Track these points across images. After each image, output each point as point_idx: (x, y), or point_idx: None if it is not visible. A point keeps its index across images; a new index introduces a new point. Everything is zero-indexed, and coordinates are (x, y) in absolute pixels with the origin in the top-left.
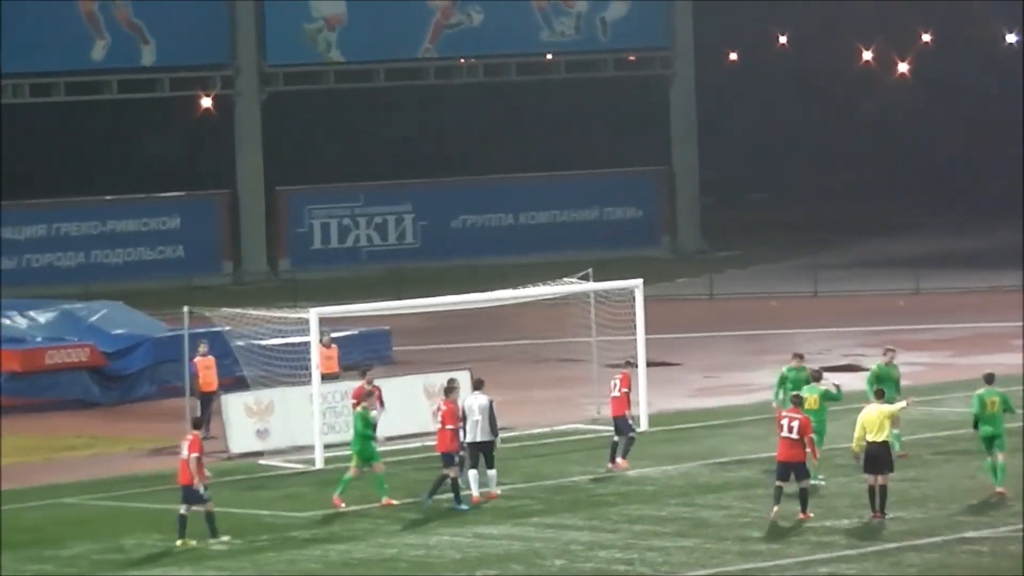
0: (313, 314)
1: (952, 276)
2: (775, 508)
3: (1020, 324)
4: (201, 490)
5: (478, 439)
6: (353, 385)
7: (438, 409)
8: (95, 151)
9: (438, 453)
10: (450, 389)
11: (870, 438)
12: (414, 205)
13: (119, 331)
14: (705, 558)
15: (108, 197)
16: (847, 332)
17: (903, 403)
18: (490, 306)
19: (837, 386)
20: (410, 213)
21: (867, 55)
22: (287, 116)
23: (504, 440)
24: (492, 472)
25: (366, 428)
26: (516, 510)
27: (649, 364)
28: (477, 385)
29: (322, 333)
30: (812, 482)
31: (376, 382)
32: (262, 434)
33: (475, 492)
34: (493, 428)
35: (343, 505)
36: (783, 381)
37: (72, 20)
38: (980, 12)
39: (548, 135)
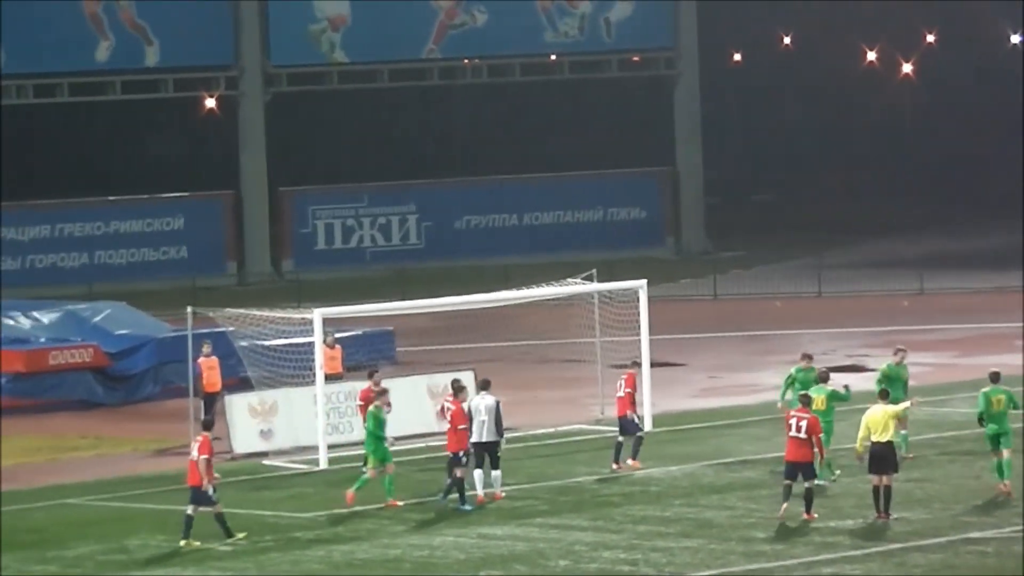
0: (317, 315)
1: (956, 276)
2: (784, 506)
3: (1021, 324)
4: (210, 491)
5: (484, 439)
6: (356, 385)
7: (441, 409)
8: (99, 152)
9: (449, 454)
10: (459, 389)
11: (875, 438)
12: (418, 206)
13: (123, 332)
14: (709, 559)
15: (112, 198)
16: (851, 332)
17: (907, 403)
18: (494, 307)
19: (846, 386)
20: (414, 214)
21: (871, 55)
22: (291, 117)
23: (508, 441)
24: (497, 473)
25: (377, 428)
26: (520, 510)
27: (653, 365)
28: (484, 385)
29: (326, 334)
30: (822, 481)
31: (382, 383)
32: (266, 434)
33: (480, 492)
34: (499, 429)
35: (352, 502)
36: (791, 381)
37: (76, 21)
38: (984, 13)
39: (552, 136)
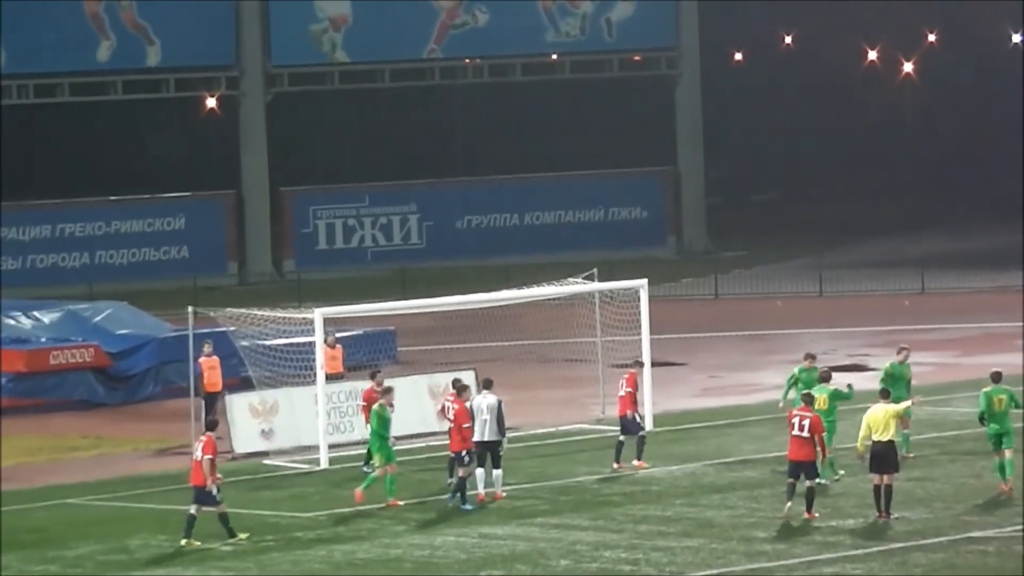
0: (318, 314)
1: (958, 276)
2: (788, 504)
3: (1022, 324)
4: (214, 492)
5: (485, 438)
6: (357, 385)
7: (442, 408)
8: (100, 152)
9: (451, 453)
10: (462, 388)
11: (876, 437)
12: (419, 205)
13: (124, 331)
14: (710, 558)
15: (113, 198)
16: (853, 332)
17: (908, 402)
18: (495, 306)
19: (849, 385)
20: (415, 213)
21: (872, 55)
22: (292, 116)
23: (509, 440)
24: (498, 472)
25: (381, 427)
26: (521, 510)
27: (654, 364)
28: (486, 384)
29: (327, 333)
30: (823, 480)
31: (385, 383)
32: (267, 434)
33: (481, 491)
34: (501, 428)
35: (361, 500)
36: (794, 381)
37: (77, 21)
38: (985, 12)
39: (553, 135)
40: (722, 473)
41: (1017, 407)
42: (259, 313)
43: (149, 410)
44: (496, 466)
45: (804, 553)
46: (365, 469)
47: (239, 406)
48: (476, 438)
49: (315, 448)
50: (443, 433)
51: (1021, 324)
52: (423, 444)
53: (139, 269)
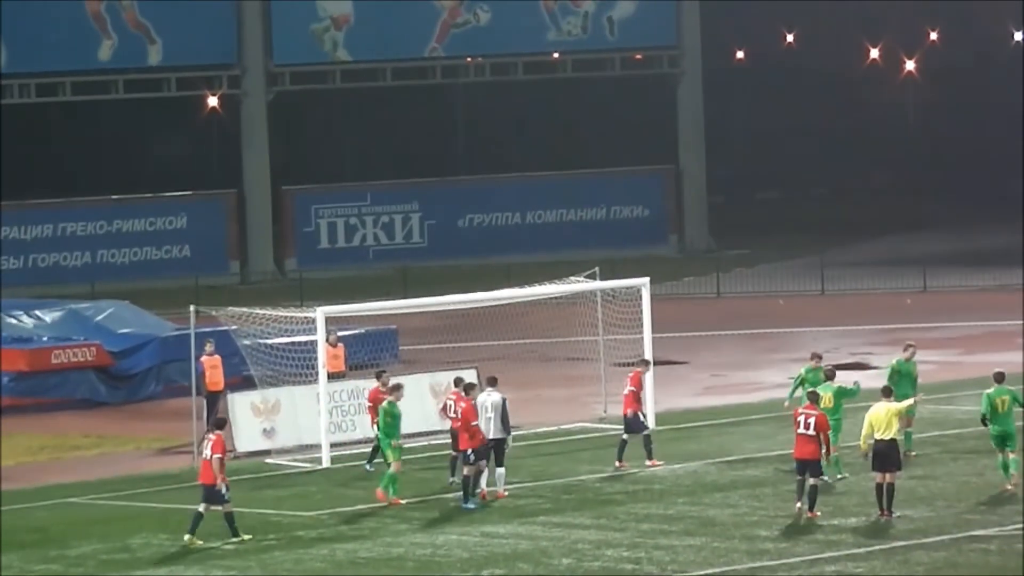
0: (320, 313)
1: (960, 274)
2: (798, 503)
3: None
4: (223, 490)
5: (490, 436)
6: (359, 384)
7: (443, 407)
8: (101, 151)
9: (457, 452)
10: (470, 387)
11: (878, 436)
12: (421, 204)
13: (125, 330)
14: (712, 557)
15: (114, 197)
16: (855, 331)
17: (910, 400)
18: (497, 305)
19: (856, 382)
20: (417, 212)
21: (874, 53)
22: (294, 115)
23: (513, 439)
24: (501, 470)
25: (393, 423)
26: (523, 509)
27: (656, 363)
28: (491, 382)
29: (329, 332)
30: (827, 478)
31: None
32: (269, 433)
33: (483, 486)
34: (505, 426)
35: (384, 499)
36: (800, 381)
37: (79, 20)
38: (987, 11)
39: (555, 134)
40: (724, 472)
41: (1020, 407)
42: (261, 312)
43: (151, 409)
44: (499, 464)
45: (806, 552)
46: (368, 468)
47: (241, 405)
48: None
49: (317, 447)
50: (445, 432)
51: (1022, 322)
52: (425, 443)
53: (141, 268)
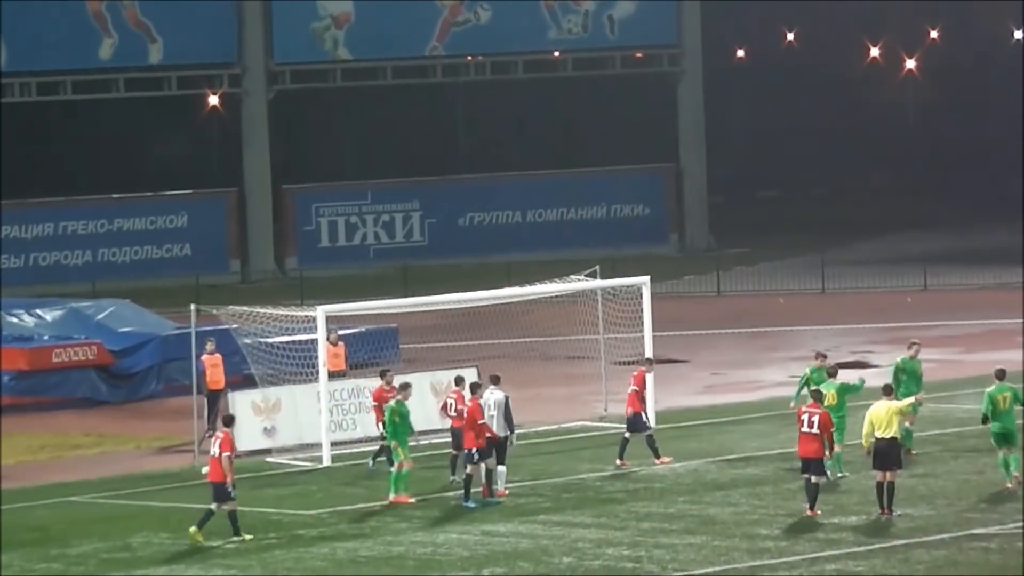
0: (320, 312)
1: (960, 272)
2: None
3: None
4: (230, 489)
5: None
6: (360, 383)
7: (444, 406)
8: (102, 149)
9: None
10: (475, 387)
11: (878, 434)
12: (421, 203)
13: (126, 329)
14: (713, 555)
15: (115, 195)
16: (855, 329)
17: (911, 399)
18: (498, 303)
19: (861, 379)
20: (417, 211)
21: (874, 52)
22: (294, 114)
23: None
24: (502, 469)
25: (402, 422)
26: (524, 508)
27: (657, 361)
28: (494, 380)
29: (329, 331)
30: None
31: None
32: (269, 432)
33: (484, 480)
34: (509, 424)
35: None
36: (805, 381)
37: (79, 19)
38: (988, 10)
39: (555, 133)
40: (725, 470)
41: (1020, 405)
42: (261, 311)
43: (151, 408)
44: (500, 462)
45: (807, 550)
46: (371, 465)
47: (242, 404)
48: None
49: (318, 446)
50: (445, 431)
51: (1023, 321)
52: (425, 442)
53: (141, 267)
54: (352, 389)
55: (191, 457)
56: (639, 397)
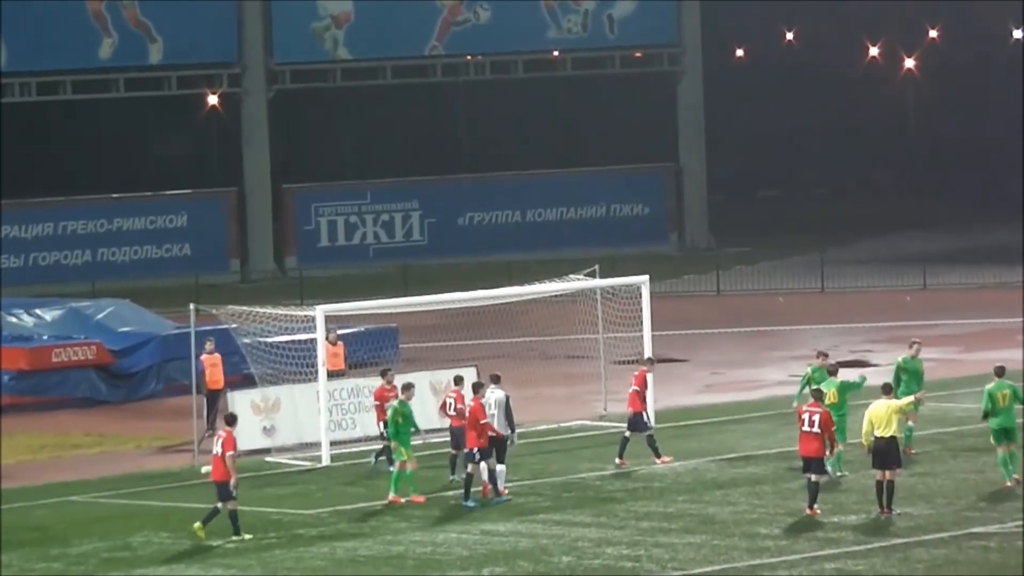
0: (319, 311)
1: (960, 272)
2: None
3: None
4: (231, 487)
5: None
6: (359, 382)
7: (443, 405)
8: (102, 149)
9: (457, 451)
10: (477, 386)
11: (878, 433)
12: (421, 202)
13: (126, 329)
14: (712, 555)
15: (115, 195)
16: (855, 328)
17: (910, 398)
18: (497, 303)
19: (863, 376)
20: (417, 210)
21: (874, 51)
22: (294, 114)
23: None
24: (501, 467)
25: (405, 423)
26: (523, 507)
27: (656, 360)
28: (494, 380)
29: (329, 330)
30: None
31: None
32: (269, 431)
33: (485, 478)
34: (510, 423)
35: (423, 501)
36: (807, 380)
37: (79, 18)
38: (988, 9)
39: (555, 132)
40: (724, 469)
41: (1020, 403)
42: (261, 310)
43: (151, 408)
44: (500, 461)
45: (806, 549)
46: (374, 464)
47: (241, 403)
48: None
49: (317, 445)
50: (445, 430)
51: (1022, 320)
52: (423, 441)
53: (141, 266)
54: (351, 389)
55: (191, 457)
56: (640, 397)
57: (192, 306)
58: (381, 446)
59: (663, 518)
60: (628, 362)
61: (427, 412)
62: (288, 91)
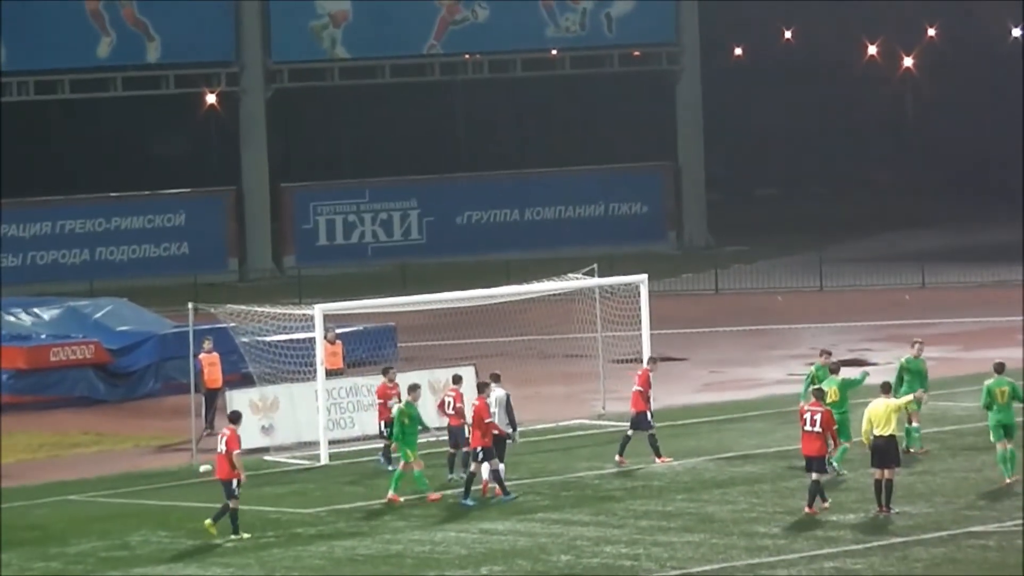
0: (318, 310)
1: (958, 270)
2: (825, 502)
3: (1022, 318)
4: (234, 485)
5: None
6: (358, 381)
7: (441, 404)
8: (100, 148)
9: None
10: (482, 386)
11: (877, 432)
12: (419, 201)
13: (124, 328)
14: (711, 553)
15: (113, 194)
16: (853, 327)
17: (909, 397)
18: (495, 302)
19: (864, 372)
20: (415, 209)
21: (872, 50)
22: (292, 113)
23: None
24: (501, 466)
25: (411, 423)
26: (522, 506)
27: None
28: (494, 378)
29: (327, 329)
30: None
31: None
32: (267, 430)
33: (486, 477)
34: (511, 421)
35: (437, 499)
36: (811, 379)
37: (77, 17)
38: (987, 8)
39: (553, 131)
40: (723, 468)
41: (1019, 400)
42: (259, 309)
43: (150, 407)
44: (500, 460)
45: (805, 548)
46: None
47: (239, 402)
48: None
49: (315, 444)
50: (443, 429)
51: (1021, 318)
52: (423, 440)
53: (139, 265)
54: (350, 388)
55: (189, 456)
56: (643, 397)
57: (190, 305)
58: (384, 444)
59: (662, 517)
60: (627, 361)
61: (426, 411)
62: (286, 90)
